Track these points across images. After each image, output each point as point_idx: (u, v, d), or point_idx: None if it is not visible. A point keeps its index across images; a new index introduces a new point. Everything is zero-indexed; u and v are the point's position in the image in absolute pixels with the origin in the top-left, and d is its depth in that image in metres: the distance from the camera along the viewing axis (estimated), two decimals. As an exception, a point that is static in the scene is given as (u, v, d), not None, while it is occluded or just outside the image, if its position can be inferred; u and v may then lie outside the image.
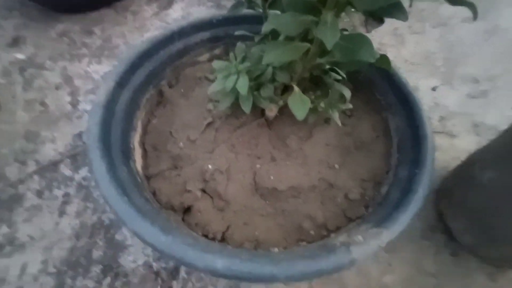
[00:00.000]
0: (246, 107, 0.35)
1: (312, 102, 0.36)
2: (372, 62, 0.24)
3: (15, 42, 0.70)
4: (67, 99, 0.58)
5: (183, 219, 0.32)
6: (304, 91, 0.37)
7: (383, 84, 0.42)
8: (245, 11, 0.38)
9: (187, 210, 0.33)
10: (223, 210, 0.33)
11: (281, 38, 0.29)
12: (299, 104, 0.32)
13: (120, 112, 0.35)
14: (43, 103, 0.58)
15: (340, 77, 0.38)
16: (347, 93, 0.36)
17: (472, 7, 0.23)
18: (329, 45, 0.22)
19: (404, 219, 0.26)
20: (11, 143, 0.52)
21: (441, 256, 0.41)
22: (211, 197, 0.34)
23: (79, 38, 0.71)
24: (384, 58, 0.34)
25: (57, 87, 0.61)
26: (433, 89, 0.60)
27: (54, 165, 0.49)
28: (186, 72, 0.47)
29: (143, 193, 0.31)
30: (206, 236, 0.31)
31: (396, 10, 0.24)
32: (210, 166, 0.35)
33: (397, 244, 0.42)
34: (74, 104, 0.58)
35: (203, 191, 0.34)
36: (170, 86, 0.45)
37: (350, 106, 0.37)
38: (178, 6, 0.80)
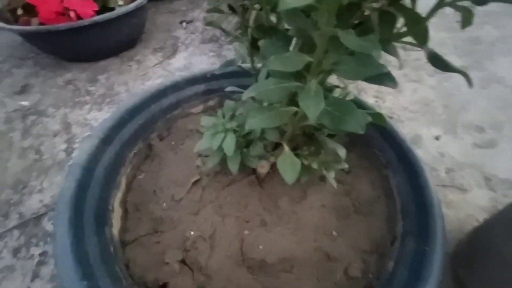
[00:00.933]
0: (233, 167, 0.33)
1: (304, 160, 0.34)
2: (362, 132, 0.22)
3: (23, 90, 0.73)
4: (62, 146, 0.58)
5: (156, 299, 0.28)
6: (297, 147, 0.36)
7: (381, 140, 0.40)
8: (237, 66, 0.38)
9: (162, 287, 0.29)
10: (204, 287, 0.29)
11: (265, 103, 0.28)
12: (289, 166, 0.29)
13: (101, 170, 0.34)
14: (38, 151, 0.57)
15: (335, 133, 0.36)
16: (342, 152, 0.34)
17: (465, 76, 0.22)
18: (311, 116, 0.20)
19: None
20: (-3, 194, 0.50)
21: None
22: (191, 270, 0.30)
23: (84, 86, 0.74)
24: (378, 116, 0.33)
25: (55, 134, 0.61)
26: (436, 138, 0.58)
27: (37, 218, 0.47)
28: (178, 124, 0.46)
29: (113, 268, 0.27)
30: (180, 323, 0.26)
31: (385, 78, 0.23)
32: (192, 233, 0.32)
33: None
34: (69, 152, 0.57)
35: (183, 262, 0.30)
36: (161, 139, 0.44)
37: (346, 166, 0.34)
38: (181, 56, 0.84)
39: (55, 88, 0.73)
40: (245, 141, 0.35)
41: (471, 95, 0.68)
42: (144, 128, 0.41)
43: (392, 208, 0.34)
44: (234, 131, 0.33)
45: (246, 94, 0.24)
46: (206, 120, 0.35)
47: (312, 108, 0.21)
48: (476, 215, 0.45)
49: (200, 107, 0.48)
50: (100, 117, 0.65)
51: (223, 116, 0.34)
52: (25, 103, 0.69)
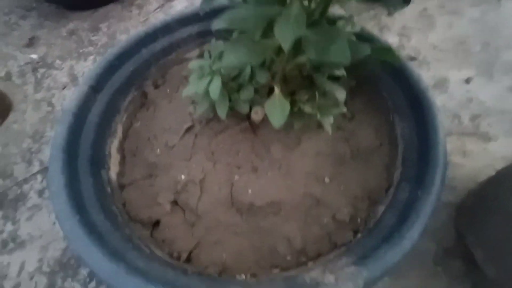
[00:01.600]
0: (222, 112, 0.31)
1: (302, 105, 0.31)
2: (346, 63, 0.19)
3: (31, 42, 0.74)
4: (71, 98, 0.60)
5: (151, 235, 0.30)
6: (295, 92, 0.33)
7: (391, 82, 0.35)
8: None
9: (156, 224, 0.31)
10: (194, 226, 0.30)
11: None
12: (277, 109, 0.27)
13: (94, 117, 0.34)
14: (50, 103, 0.60)
15: (339, 74, 0.32)
16: (341, 95, 0.30)
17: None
18: (285, 45, 0.17)
19: (392, 258, 0.21)
20: (20, 143, 0.54)
21: None
22: (183, 210, 0.31)
23: (86, 36, 0.72)
24: (387, 51, 0.28)
25: (63, 87, 0.62)
26: (467, 81, 0.50)
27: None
28: (173, 70, 0.44)
29: (109, 207, 0.29)
30: (171, 254, 0.28)
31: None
32: (183, 177, 0.32)
33: (402, 267, 0.36)
34: (77, 103, 0.59)
35: (175, 203, 0.32)
36: (156, 87, 0.43)
37: (345, 110, 0.31)
38: (183, -3, 0.77)
39: (60, 39, 0.72)
40: (236, 84, 0.32)
41: (520, 29, 0.56)
42: (136, 75, 0.40)
43: (393, 156, 0.32)
44: (221, 73, 0.30)
45: (216, 24, 0.20)
46: (194, 64, 0.32)
47: (288, 34, 0.18)
48: (496, 165, 0.41)
49: (195, 51, 0.45)
50: (104, 68, 0.64)
51: (210, 57, 0.32)
52: (34, 56, 0.70)
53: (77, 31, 0.74)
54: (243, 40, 0.23)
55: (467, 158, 0.42)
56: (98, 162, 0.32)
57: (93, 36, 0.72)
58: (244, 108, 0.32)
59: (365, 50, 0.22)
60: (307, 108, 0.30)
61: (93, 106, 0.34)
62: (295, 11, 0.19)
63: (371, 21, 0.61)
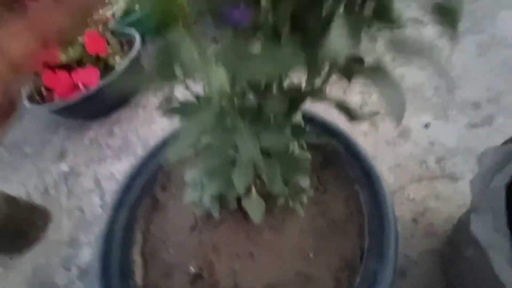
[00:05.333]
0: (215, 213, 0.39)
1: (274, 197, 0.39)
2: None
3: (62, 155, 0.88)
4: (98, 202, 0.70)
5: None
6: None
7: (348, 156, 0.43)
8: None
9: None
10: (208, 317, 0.36)
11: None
12: (255, 208, 0.35)
13: (119, 233, 0.43)
14: (81, 209, 0.70)
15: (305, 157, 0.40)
16: (305, 183, 0.38)
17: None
18: (240, 189, 0.25)
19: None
20: (59, 251, 0.63)
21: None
22: (198, 303, 0.38)
23: (105, 141, 0.86)
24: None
25: (90, 192, 0.74)
26: (426, 126, 0.57)
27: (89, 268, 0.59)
28: (175, 172, 0.54)
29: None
30: None
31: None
32: (193, 270, 0.39)
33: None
34: (103, 206, 0.69)
35: (191, 298, 0.38)
36: (163, 188, 0.52)
37: (311, 194, 0.39)
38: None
39: (84, 147, 0.87)
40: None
41: (466, 67, 0.65)
42: (148, 185, 0.50)
43: (362, 224, 0.38)
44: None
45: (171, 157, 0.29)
46: (188, 177, 0.42)
47: (241, 183, 0.26)
48: (468, 204, 0.45)
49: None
50: (121, 167, 0.76)
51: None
52: (65, 167, 0.83)
53: (96, 138, 0.88)
54: (214, 175, 0.32)
55: (441, 201, 0.47)
56: (126, 269, 0.40)
57: (109, 140, 0.86)
58: (233, 205, 0.40)
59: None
60: (280, 200, 0.37)
61: (116, 224, 0.43)
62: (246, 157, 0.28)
63: (335, 85, 0.72)
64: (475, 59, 0.64)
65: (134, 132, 0.84)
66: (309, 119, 0.41)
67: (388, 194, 0.35)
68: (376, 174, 0.37)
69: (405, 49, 0.19)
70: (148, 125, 0.84)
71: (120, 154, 0.80)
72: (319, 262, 0.37)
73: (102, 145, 0.85)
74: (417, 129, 0.57)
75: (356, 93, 0.68)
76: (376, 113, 0.63)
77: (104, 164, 0.79)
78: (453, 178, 0.49)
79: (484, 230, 0.26)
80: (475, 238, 0.26)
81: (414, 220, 0.46)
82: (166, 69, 0.17)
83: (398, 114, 0.18)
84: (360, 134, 0.58)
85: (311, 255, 0.38)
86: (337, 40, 0.15)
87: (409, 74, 0.67)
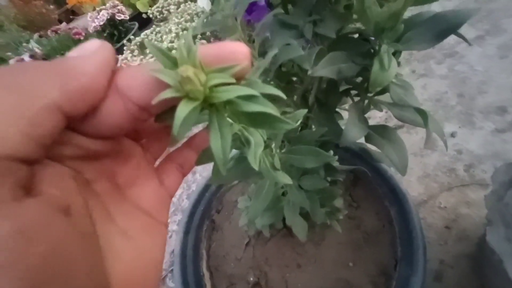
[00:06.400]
0: (265, 233, 0.48)
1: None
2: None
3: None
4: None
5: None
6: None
7: (376, 175, 0.49)
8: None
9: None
10: (269, 319, 0.44)
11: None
12: (299, 228, 0.43)
13: (190, 252, 0.53)
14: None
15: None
16: (339, 203, 0.45)
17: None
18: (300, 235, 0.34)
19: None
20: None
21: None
22: (259, 308, 0.46)
23: (159, 170, 1.01)
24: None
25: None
26: (452, 135, 0.60)
27: (161, 279, 0.71)
28: (226, 197, 0.64)
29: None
30: None
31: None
32: (252, 279, 0.48)
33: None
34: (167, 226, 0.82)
35: (253, 304, 0.47)
36: (218, 212, 0.63)
37: (346, 212, 0.45)
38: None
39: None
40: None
41: (488, 72, 0.66)
42: (206, 210, 0.60)
43: (394, 235, 0.43)
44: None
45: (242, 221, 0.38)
46: (241, 203, 0.51)
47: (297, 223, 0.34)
48: (500, 209, 0.48)
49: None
50: (176, 193, 0.89)
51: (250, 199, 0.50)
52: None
53: (152, 169, 1.03)
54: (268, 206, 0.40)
55: (472, 208, 0.50)
56: (198, 281, 0.50)
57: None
58: (279, 225, 0.49)
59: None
60: (319, 220, 0.45)
61: (187, 246, 0.54)
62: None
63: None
64: (497, 62, 0.65)
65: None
66: (336, 145, 0.49)
67: (414, 209, 0.41)
68: (402, 192, 0.43)
69: (404, 116, 0.26)
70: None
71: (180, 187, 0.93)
72: (358, 270, 0.43)
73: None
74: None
75: (380, 108, 0.72)
76: (401, 126, 0.68)
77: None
78: (482, 184, 0.52)
79: (499, 240, 0.31)
80: (491, 247, 0.31)
81: (447, 227, 0.50)
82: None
83: (402, 166, 0.25)
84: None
85: (350, 264, 0.44)
86: (352, 128, 0.23)
87: (431, 84, 0.70)
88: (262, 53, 0.27)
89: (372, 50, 0.26)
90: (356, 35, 0.27)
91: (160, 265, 0.14)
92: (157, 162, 0.17)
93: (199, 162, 0.17)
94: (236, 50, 0.11)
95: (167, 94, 0.10)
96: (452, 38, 0.21)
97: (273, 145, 0.26)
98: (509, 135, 0.55)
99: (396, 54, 0.25)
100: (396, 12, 0.21)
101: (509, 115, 0.57)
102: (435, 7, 0.24)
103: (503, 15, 0.73)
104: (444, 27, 0.23)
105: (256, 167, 0.14)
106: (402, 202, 0.42)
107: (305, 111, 0.22)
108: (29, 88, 0.10)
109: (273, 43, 0.26)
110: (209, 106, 0.11)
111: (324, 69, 0.23)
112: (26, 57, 1.29)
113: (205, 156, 0.17)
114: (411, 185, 0.54)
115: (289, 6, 0.27)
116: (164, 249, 0.15)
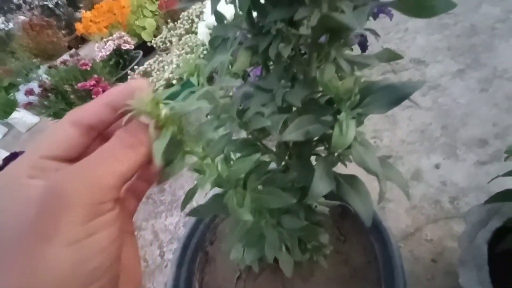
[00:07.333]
0: (255, 268, 0.49)
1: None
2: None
3: (124, 211, 1.07)
4: (157, 252, 0.84)
5: None
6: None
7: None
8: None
9: None
10: None
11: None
12: (285, 264, 0.44)
13: (183, 284, 0.54)
14: (144, 259, 0.85)
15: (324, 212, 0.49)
16: (324, 239, 0.47)
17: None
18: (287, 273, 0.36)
19: None
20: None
21: None
22: None
23: (158, 197, 1.03)
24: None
25: (150, 243, 0.88)
26: (436, 166, 0.62)
27: (157, 311, 0.71)
28: (220, 228, 0.65)
29: None
30: None
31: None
32: (243, 318, 0.48)
33: None
34: (162, 255, 0.83)
35: None
36: (211, 243, 0.64)
37: (331, 248, 0.47)
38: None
39: (143, 205, 1.04)
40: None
41: (470, 104, 0.69)
42: (200, 243, 0.62)
43: (379, 271, 0.45)
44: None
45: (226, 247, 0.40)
46: (230, 240, 0.53)
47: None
48: (484, 243, 0.49)
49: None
50: (174, 221, 0.90)
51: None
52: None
53: (151, 195, 1.06)
54: (252, 243, 0.42)
55: (456, 242, 0.51)
56: (190, 318, 0.51)
57: (161, 196, 1.02)
58: (270, 260, 0.50)
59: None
60: (306, 255, 0.46)
61: (180, 279, 0.55)
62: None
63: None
64: (478, 95, 0.69)
65: (181, 189, 1.00)
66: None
67: (396, 246, 0.42)
68: (385, 228, 0.45)
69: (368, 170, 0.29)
70: (192, 182, 1.00)
71: (172, 209, 0.95)
72: (345, 307, 0.44)
73: (157, 202, 1.02)
74: (428, 170, 0.62)
75: (369, 138, 0.75)
76: (388, 157, 0.70)
77: (160, 218, 0.94)
78: (467, 217, 0.53)
79: (471, 283, 0.32)
80: (464, 288, 0.32)
81: (433, 261, 0.51)
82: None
83: (367, 217, 0.27)
84: (373, 179, 0.64)
85: (337, 301, 0.45)
86: (318, 183, 0.26)
87: (417, 115, 0.74)
88: (240, 112, 0.31)
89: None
90: (326, 98, 0.30)
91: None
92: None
93: (160, 181, 0.21)
94: (139, 85, 0.18)
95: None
96: (435, 71, 0.24)
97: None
98: (491, 168, 0.57)
99: (358, 115, 0.28)
100: (349, 89, 0.24)
101: (490, 148, 0.59)
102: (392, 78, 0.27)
103: (482, 50, 0.77)
104: (397, 96, 0.26)
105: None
106: (385, 239, 0.44)
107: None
108: None
109: (250, 105, 0.29)
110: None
111: (292, 134, 0.26)
112: (35, 85, 1.36)
113: (163, 174, 0.21)
114: (400, 217, 0.56)
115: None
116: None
